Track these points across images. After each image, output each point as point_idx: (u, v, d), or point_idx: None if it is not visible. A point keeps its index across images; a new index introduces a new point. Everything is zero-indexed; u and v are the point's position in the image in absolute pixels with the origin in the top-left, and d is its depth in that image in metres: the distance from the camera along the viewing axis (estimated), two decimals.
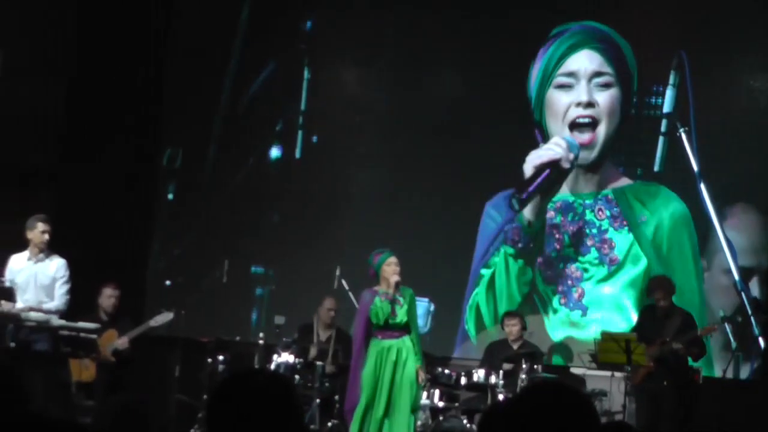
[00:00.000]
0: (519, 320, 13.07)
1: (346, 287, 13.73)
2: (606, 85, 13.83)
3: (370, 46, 14.93)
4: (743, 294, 13.19)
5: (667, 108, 13.78)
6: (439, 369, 12.72)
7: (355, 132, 14.81)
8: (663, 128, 13.78)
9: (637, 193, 13.81)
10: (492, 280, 13.98)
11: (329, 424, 12.57)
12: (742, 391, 12.87)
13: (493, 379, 12.32)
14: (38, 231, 12.05)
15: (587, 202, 13.92)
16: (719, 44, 13.72)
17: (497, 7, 14.50)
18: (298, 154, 15.04)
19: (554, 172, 13.63)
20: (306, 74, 15.08)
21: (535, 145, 13.87)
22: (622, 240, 13.75)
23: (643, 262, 13.60)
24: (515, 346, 12.89)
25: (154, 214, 15.43)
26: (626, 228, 13.76)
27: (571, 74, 13.93)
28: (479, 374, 12.43)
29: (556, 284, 13.89)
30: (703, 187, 13.46)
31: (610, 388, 12.45)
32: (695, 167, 13.50)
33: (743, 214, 13.55)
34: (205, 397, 12.76)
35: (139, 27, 15.06)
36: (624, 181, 13.89)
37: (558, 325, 13.84)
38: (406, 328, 11.64)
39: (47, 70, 14.92)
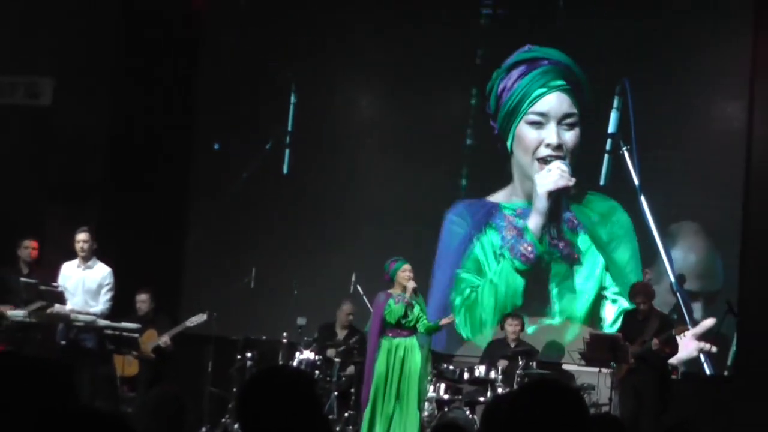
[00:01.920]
0: (520, 322, 13.09)
1: (361, 291, 13.72)
2: (572, 125, 13.95)
3: (357, 75, 15.00)
4: (678, 294, 13.33)
5: (611, 129, 13.91)
6: (444, 365, 12.72)
7: (348, 149, 14.83)
8: (607, 147, 13.91)
9: (588, 202, 13.96)
10: (495, 288, 14.00)
11: (346, 414, 12.58)
12: (716, 385, 12.83)
13: (492, 375, 12.32)
14: (76, 241, 12.09)
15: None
16: (660, 71, 13.85)
17: (462, 27, 14.58)
18: (285, 170, 15.13)
19: (565, 195, 13.93)
20: (293, 98, 15.14)
21: (495, 160, 14.23)
22: (579, 241, 13.91)
23: (600, 260, 13.74)
24: (512, 345, 12.87)
25: (189, 226, 15.42)
26: (582, 230, 13.90)
27: (542, 114, 14.03)
28: (480, 370, 12.44)
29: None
30: (643, 199, 13.65)
31: (598, 382, 12.43)
32: (636, 182, 13.68)
33: (691, 236, 13.63)
34: (235, 389, 12.75)
35: (175, 58, 15.07)
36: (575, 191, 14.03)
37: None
38: (414, 330, 11.68)
39: (93, 97, 14.93)
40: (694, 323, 13.09)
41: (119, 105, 15.18)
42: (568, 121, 13.94)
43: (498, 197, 14.29)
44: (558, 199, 13.91)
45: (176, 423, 4.85)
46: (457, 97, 14.69)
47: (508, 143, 14.18)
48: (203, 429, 12.93)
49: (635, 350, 11.89)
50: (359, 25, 14.87)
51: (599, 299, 13.73)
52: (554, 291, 13.87)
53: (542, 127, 14.00)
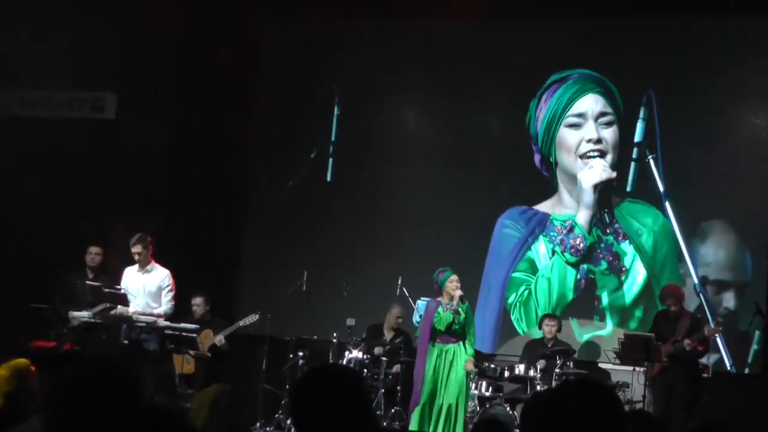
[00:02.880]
0: (557, 322, 13.06)
1: (407, 294, 13.72)
2: (609, 123, 13.94)
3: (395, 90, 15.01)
4: (701, 295, 13.30)
5: (637, 138, 13.89)
6: (486, 364, 12.69)
7: (394, 159, 14.86)
8: (634, 155, 13.89)
9: (630, 209, 13.87)
10: (548, 282, 13.98)
11: (392, 410, 12.56)
12: (745, 384, 12.73)
13: (531, 373, 12.28)
14: (131, 248, 12.19)
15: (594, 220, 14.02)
16: (688, 82, 13.85)
17: (503, 53, 14.52)
18: (329, 178, 15.20)
19: (609, 187, 13.90)
20: (336, 110, 15.19)
21: (533, 171, 14.21)
22: (626, 254, 13.81)
23: (644, 270, 13.65)
24: (550, 345, 12.83)
25: (244, 233, 15.48)
26: (627, 241, 13.80)
27: (580, 115, 14.04)
28: (520, 368, 12.39)
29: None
30: (668, 205, 13.64)
31: (632, 380, 12.36)
32: (661, 188, 13.68)
33: (721, 233, 13.56)
34: (287, 387, 12.77)
35: (230, 74, 15.13)
36: (614, 198, 13.98)
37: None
38: (462, 335, 11.69)
39: (154, 113, 15.02)
40: (717, 322, 12.98)
41: (179, 118, 15.28)
42: (605, 119, 13.95)
43: (545, 206, 14.25)
44: (603, 192, 13.87)
45: (232, 418, 4.86)
46: (501, 110, 14.69)
47: (552, 156, 14.17)
48: (257, 424, 12.94)
49: (667, 349, 11.85)
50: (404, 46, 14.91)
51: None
52: (605, 302, 13.79)
53: (581, 127, 14.02)
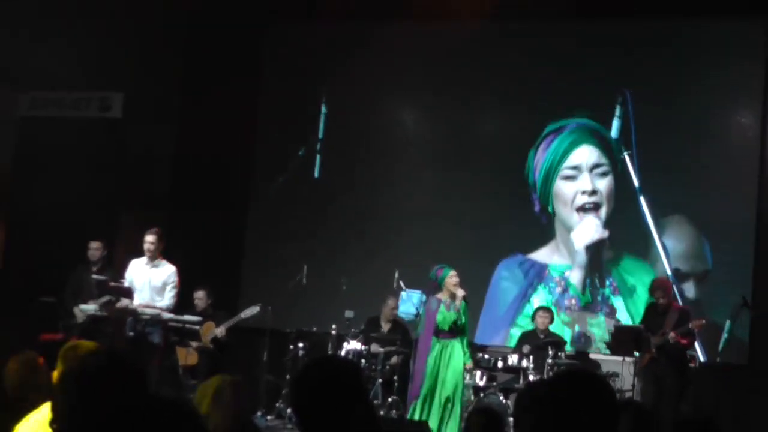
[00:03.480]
0: (550, 314, 13.05)
1: (403, 287, 13.72)
2: (603, 174, 13.96)
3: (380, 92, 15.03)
4: (674, 287, 13.22)
5: (613, 134, 13.95)
6: (480, 354, 12.69)
7: (391, 157, 14.87)
8: None
9: (624, 265, 13.87)
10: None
11: (389, 399, 12.56)
12: (731, 374, 12.75)
13: (524, 363, 12.29)
14: (144, 241, 12.18)
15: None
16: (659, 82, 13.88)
17: (492, 53, 14.57)
18: (316, 174, 15.26)
19: (601, 246, 13.89)
20: (323, 109, 15.26)
21: (529, 212, 14.20)
22: (620, 306, 13.83)
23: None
24: (542, 336, 12.83)
25: (246, 230, 15.49)
26: (620, 296, 13.84)
27: (575, 167, 14.07)
28: (513, 359, 12.40)
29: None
30: (642, 200, 13.70)
31: (622, 370, 12.37)
32: (636, 184, 13.73)
33: (679, 225, 13.66)
34: (288, 377, 12.78)
35: (234, 75, 15.14)
36: (610, 254, 13.93)
37: None
38: (460, 331, 11.71)
39: (160, 112, 15.03)
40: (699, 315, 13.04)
41: (183, 117, 15.29)
42: (600, 170, 13.96)
43: (542, 254, 14.22)
44: (596, 251, 13.86)
45: (234, 408, 4.86)
46: (493, 108, 14.70)
47: (550, 206, 14.16)
48: (259, 413, 12.94)
49: (656, 341, 11.85)
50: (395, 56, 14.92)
51: None
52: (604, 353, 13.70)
53: (576, 178, 14.03)
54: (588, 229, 13.86)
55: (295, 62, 15.41)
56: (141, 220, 13.66)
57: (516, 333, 13.82)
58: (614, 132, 13.94)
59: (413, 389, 11.82)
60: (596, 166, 13.97)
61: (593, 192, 13.91)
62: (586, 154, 14.04)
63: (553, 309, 13.40)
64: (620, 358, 12.36)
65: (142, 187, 15.00)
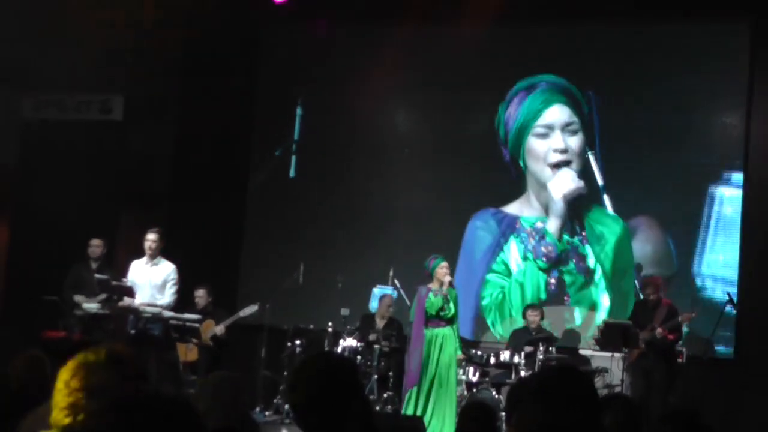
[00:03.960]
0: (540, 312, 13.07)
1: (398, 285, 13.75)
2: (574, 132, 14.04)
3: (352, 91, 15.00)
4: (636, 281, 13.45)
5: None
6: (473, 350, 12.71)
7: (385, 157, 14.89)
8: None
9: (595, 215, 13.95)
10: (521, 287, 14.02)
11: (384, 395, 12.57)
12: (718, 368, 12.77)
13: (516, 359, 12.30)
14: (145, 240, 12.19)
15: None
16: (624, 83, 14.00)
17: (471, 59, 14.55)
18: (292, 174, 15.36)
19: (579, 198, 13.98)
20: (299, 111, 15.33)
21: (501, 171, 14.26)
22: (589, 255, 13.89)
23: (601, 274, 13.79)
24: (534, 333, 12.85)
25: (244, 229, 15.49)
26: (588, 244, 13.90)
27: (547, 126, 14.14)
28: (505, 355, 12.41)
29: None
30: (606, 198, 13.80)
31: (611, 365, 12.41)
32: (600, 182, 13.84)
33: (648, 229, 13.69)
34: (285, 373, 12.78)
35: (230, 78, 15.15)
36: (583, 206, 14.01)
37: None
38: (450, 320, 11.72)
39: (159, 114, 15.03)
40: (689, 309, 13.10)
41: (182, 119, 15.29)
42: (570, 128, 14.05)
43: (513, 208, 14.31)
44: (573, 201, 13.93)
45: (233, 404, 4.87)
46: (468, 108, 14.70)
47: (521, 161, 14.23)
48: (257, 409, 12.95)
49: (645, 336, 11.88)
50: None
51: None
52: (573, 299, 13.86)
53: (548, 136, 14.11)
54: (565, 181, 13.95)
55: (287, 65, 15.40)
56: (141, 220, 13.67)
57: (491, 278, 14.09)
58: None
59: (408, 378, 11.85)
60: (567, 124, 14.09)
61: (564, 150, 14.02)
62: (557, 113, 14.14)
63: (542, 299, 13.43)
64: (609, 354, 12.39)
65: (141, 188, 15.00)
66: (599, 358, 12.73)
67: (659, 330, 11.76)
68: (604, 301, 13.74)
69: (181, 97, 15.33)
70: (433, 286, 11.82)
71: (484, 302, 14.14)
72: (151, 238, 12.14)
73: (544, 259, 13.95)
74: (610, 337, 12.09)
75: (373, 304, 13.76)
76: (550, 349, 12.47)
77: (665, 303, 12.19)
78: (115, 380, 3.36)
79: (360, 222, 14.76)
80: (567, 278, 13.90)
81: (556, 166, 14.00)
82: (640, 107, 13.87)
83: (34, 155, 15.36)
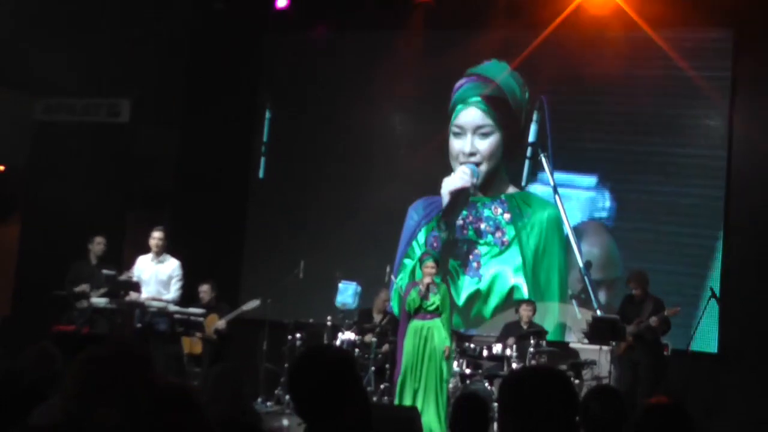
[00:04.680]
0: (532, 307, 12.99)
1: (395, 280, 13.76)
2: (485, 134, 14.19)
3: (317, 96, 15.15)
4: (586, 278, 13.60)
5: (531, 138, 14.09)
6: (466, 343, 12.70)
7: (373, 160, 14.92)
8: (528, 153, 14.10)
9: (524, 198, 14.09)
10: (413, 272, 14.05)
11: (381, 386, 12.58)
12: (702, 362, 12.78)
13: (508, 352, 12.29)
14: (151, 238, 12.19)
15: (486, 202, 14.22)
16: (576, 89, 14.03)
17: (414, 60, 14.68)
18: (261, 175, 15.44)
19: (464, 194, 14.14)
20: (267, 114, 15.42)
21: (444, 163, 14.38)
22: (510, 231, 14.05)
23: (518, 251, 13.97)
24: (525, 327, 12.83)
25: (246, 227, 15.49)
26: (512, 224, 14.04)
27: (460, 126, 14.33)
28: (497, 348, 12.40)
29: (461, 260, 14.20)
30: (557, 198, 13.86)
31: (599, 358, 12.39)
32: (552, 183, 13.91)
33: (594, 233, 13.77)
34: (286, 365, 12.79)
35: (233, 82, 15.15)
36: (512, 189, 14.16)
37: (462, 289, 14.08)
38: (437, 313, 11.71)
39: (164, 117, 15.05)
40: (599, 303, 13.49)
41: (186, 122, 15.30)
42: (482, 131, 14.21)
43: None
44: (458, 197, 14.13)
45: (236, 394, 4.87)
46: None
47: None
48: (259, 399, 12.96)
49: (632, 330, 11.87)
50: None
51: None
52: (485, 267, 14.00)
53: (461, 137, 14.32)
54: (455, 177, 14.19)
55: (289, 70, 15.41)
56: (146, 218, 13.68)
57: (406, 262, 14.27)
58: (532, 136, 14.08)
59: (396, 370, 11.89)
60: (479, 127, 14.22)
61: (472, 153, 14.19)
62: (470, 116, 14.28)
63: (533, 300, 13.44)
64: (597, 347, 12.38)
65: (147, 187, 15.00)
66: (588, 350, 12.71)
67: (653, 319, 11.76)
68: (509, 271, 13.94)
69: (185, 101, 15.35)
70: (421, 281, 11.85)
71: (398, 284, 14.19)
72: (156, 236, 12.15)
73: (429, 248, 14.10)
74: (598, 330, 12.08)
75: (339, 299, 13.79)
76: (541, 342, 12.47)
77: (651, 298, 12.19)
78: (124, 373, 3.37)
79: (358, 221, 14.74)
80: (482, 249, 13.99)
81: (465, 165, 14.21)
82: (588, 109, 13.97)
83: (44, 156, 15.38)
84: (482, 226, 14.16)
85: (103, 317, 11.99)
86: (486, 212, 14.19)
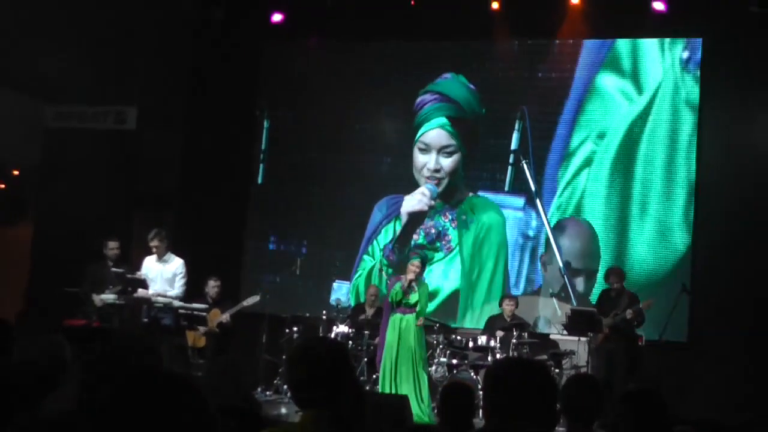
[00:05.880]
0: (515, 301, 12.99)
1: (385, 276, 13.75)
2: (450, 153, 14.25)
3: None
4: (565, 277, 13.65)
5: (513, 146, 14.10)
6: (453, 335, 12.71)
7: (366, 161, 14.87)
8: (510, 160, 14.11)
9: (471, 203, 14.15)
10: (369, 274, 14.16)
11: (373, 376, 12.57)
12: (674, 351, 12.80)
13: (492, 343, 12.30)
14: (149, 240, 12.19)
15: (438, 208, 14.28)
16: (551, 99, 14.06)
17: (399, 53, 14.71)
18: (260, 180, 15.39)
19: (420, 216, 14.22)
20: (266, 123, 15.36)
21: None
22: (455, 237, 14.07)
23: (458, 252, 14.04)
24: (508, 320, 12.84)
25: (247, 227, 15.47)
26: (456, 230, 14.06)
27: (426, 144, 14.35)
28: (482, 339, 12.42)
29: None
30: (538, 202, 13.88)
31: (578, 348, 12.41)
32: (533, 188, 13.93)
33: (576, 228, 13.77)
34: (284, 357, 12.77)
35: (234, 91, 15.13)
36: (467, 194, 14.22)
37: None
38: (413, 308, 11.74)
39: (169, 123, 15.02)
40: (576, 297, 13.52)
41: (190, 129, 15.28)
42: (447, 150, 14.26)
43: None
44: (415, 219, 14.21)
45: (237, 384, 4.86)
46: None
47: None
48: (259, 389, 12.94)
49: (609, 322, 11.87)
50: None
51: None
52: (434, 274, 13.96)
53: (426, 153, 14.35)
54: (414, 199, 14.26)
55: (286, 79, 15.38)
56: (152, 219, 13.65)
57: (366, 258, 14.32)
58: (514, 144, 14.09)
59: (377, 359, 11.97)
60: (444, 147, 14.27)
61: (437, 170, 14.25)
62: (435, 136, 14.32)
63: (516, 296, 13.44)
64: (576, 338, 12.40)
65: (152, 190, 14.97)
66: (567, 341, 12.73)
67: (629, 311, 11.77)
68: (453, 275, 13.99)
69: (188, 109, 15.32)
70: (404, 277, 11.90)
71: (353, 282, 14.32)
72: (153, 244, 12.16)
73: (387, 259, 14.19)
74: (576, 322, 12.11)
75: (333, 297, 13.79)
76: (523, 334, 12.48)
77: (627, 292, 12.20)
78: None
79: (350, 221, 14.72)
80: (431, 254, 13.96)
81: (429, 179, 14.24)
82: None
83: (55, 160, 15.33)
84: (432, 231, 14.20)
85: (113, 312, 11.95)
86: (437, 218, 14.24)
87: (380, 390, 11.51)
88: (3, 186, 15.55)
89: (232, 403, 4.58)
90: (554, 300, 13.75)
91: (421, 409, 11.26)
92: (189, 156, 15.29)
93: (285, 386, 12.26)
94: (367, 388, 12.16)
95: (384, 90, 14.78)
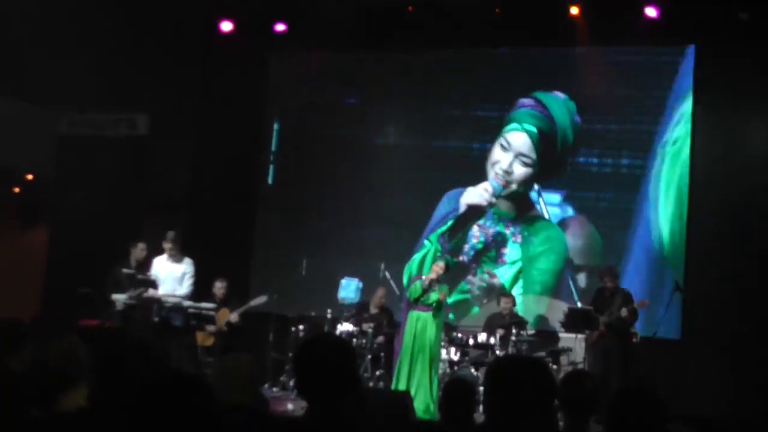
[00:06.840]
0: (512, 300, 12.98)
1: (388, 276, 13.74)
2: (525, 164, 13.91)
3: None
4: (568, 275, 13.58)
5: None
6: (454, 333, 12.70)
7: (373, 165, 14.82)
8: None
9: (538, 226, 13.87)
10: (423, 260, 13.99)
11: (377, 373, 12.57)
12: (668, 348, 12.78)
13: (492, 341, 12.30)
14: (164, 242, 12.19)
15: (503, 216, 14.03)
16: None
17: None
18: (270, 181, 15.35)
19: (477, 211, 13.95)
20: (276, 125, 15.34)
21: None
22: (513, 252, 13.87)
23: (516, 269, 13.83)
24: (507, 318, 12.82)
25: (255, 229, 15.47)
26: (519, 245, 13.87)
27: (508, 143, 14.03)
28: (482, 337, 12.41)
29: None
30: (542, 201, 13.86)
31: (575, 345, 12.40)
32: (536, 187, 13.87)
33: (579, 225, 13.73)
34: (290, 354, 12.77)
35: (243, 99, 15.14)
36: (534, 212, 13.93)
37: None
38: (430, 307, 11.71)
39: (179, 130, 15.04)
40: (580, 299, 13.35)
41: (200, 134, 15.29)
42: (524, 159, 13.90)
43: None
44: (471, 212, 13.98)
45: (245, 381, 4.84)
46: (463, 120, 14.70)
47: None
48: (266, 386, 12.94)
49: (604, 320, 11.86)
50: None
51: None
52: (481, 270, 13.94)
53: (505, 151, 14.02)
54: (477, 191, 13.99)
55: (295, 85, 15.38)
56: (163, 222, 13.65)
57: (426, 243, 14.11)
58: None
59: (394, 355, 11.96)
60: (522, 155, 13.91)
61: (507, 172, 13.93)
62: (519, 139, 13.99)
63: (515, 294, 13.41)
64: (573, 335, 12.39)
65: (164, 194, 14.98)
66: (564, 339, 12.73)
67: (624, 309, 11.75)
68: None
69: (199, 115, 15.33)
70: (427, 277, 11.92)
71: (409, 262, 14.17)
72: (167, 246, 12.17)
73: (439, 245, 14.01)
74: (573, 320, 12.12)
75: (341, 294, 13.79)
76: (522, 331, 12.47)
77: (621, 291, 12.18)
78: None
79: (355, 223, 14.72)
80: (484, 259, 13.93)
81: (496, 176, 13.99)
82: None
83: (69, 166, 15.36)
84: (490, 237, 13.98)
85: (125, 312, 11.96)
86: (500, 225, 13.99)
87: (394, 386, 11.51)
88: (18, 191, 15.58)
89: (240, 401, 4.58)
90: (550, 298, 13.73)
91: (434, 407, 11.26)
92: (199, 161, 15.30)
93: (291, 383, 12.26)
94: (371, 384, 12.16)
95: (391, 98, 14.79)
